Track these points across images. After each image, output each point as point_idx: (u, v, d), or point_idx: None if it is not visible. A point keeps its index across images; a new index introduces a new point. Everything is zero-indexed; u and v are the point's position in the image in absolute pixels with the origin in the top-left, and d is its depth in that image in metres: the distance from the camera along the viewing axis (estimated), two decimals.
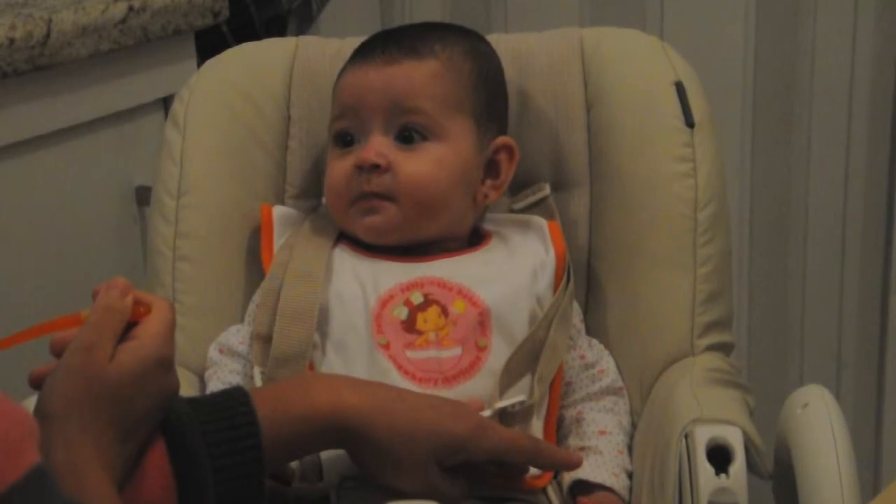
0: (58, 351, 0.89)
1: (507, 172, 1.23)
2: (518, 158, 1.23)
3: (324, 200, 1.30)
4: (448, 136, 1.18)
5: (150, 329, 0.89)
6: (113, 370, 0.86)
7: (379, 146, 1.17)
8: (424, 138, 1.17)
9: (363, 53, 1.21)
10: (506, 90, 1.26)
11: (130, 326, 0.89)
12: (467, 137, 1.19)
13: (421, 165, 1.17)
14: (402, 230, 1.18)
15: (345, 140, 1.20)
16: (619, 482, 1.14)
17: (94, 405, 0.85)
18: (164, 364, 0.89)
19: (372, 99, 1.17)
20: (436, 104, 1.17)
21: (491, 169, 1.22)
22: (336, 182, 1.19)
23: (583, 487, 1.14)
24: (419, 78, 1.17)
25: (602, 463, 1.14)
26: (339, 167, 1.19)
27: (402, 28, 1.25)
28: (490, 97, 1.22)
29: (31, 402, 0.87)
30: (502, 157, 1.22)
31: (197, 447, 0.91)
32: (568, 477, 1.14)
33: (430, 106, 1.17)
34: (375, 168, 1.16)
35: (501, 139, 1.22)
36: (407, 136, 1.17)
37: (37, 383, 0.89)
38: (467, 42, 1.22)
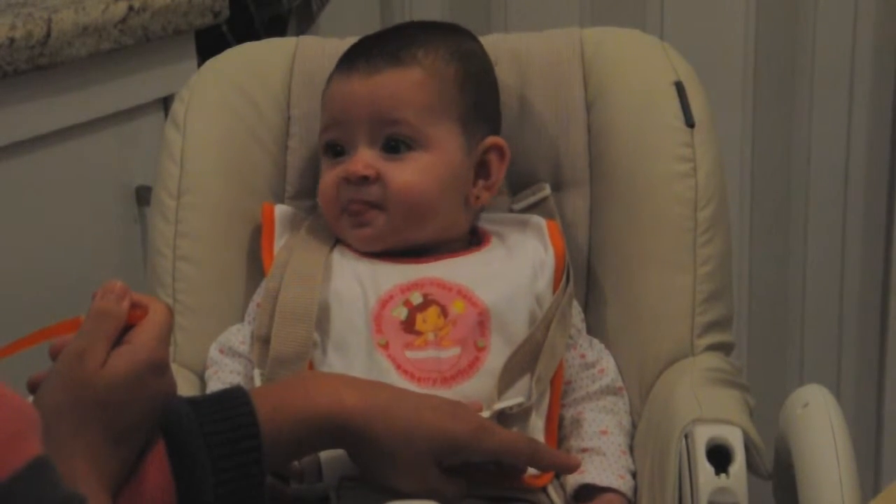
0: (56, 355, 0.89)
1: (499, 172, 1.23)
2: (509, 158, 1.23)
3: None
4: (434, 143, 1.18)
5: (143, 333, 0.88)
6: (104, 376, 0.85)
7: (366, 158, 1.17)
8: (410, 148, 1.18)
9: (348, 61, 1.21)
10: (496, 87, 1.26)
11: (128, 329, 0.89)
12: (454, 142, 1.19)
13: (409, 174, 1.17)
14: (393, 237, 1.18)
15: (334, 150, 1.20)
16: (624, 484, 1.14)
17: (83, 411, 0.85)
18: (158, 368, 0.88)
19: (357, 111, 1.18)
20: (419, 113, 1.18)
21: (482, 170, 1.22)
22: (327, 192, 1.20)
23: (589, 491, 1.14)
24: (401, 88, 1.18)
25: (607, 465, 1.14)
26: (330, 177, 1.20)
27: (388, 32, 1.25)
28: (477, 98, 1.22)
29: None
30: (492, 157, 1.22)
31: (196, 447, 0.90)
32: (572, 479, 1.14)
33: (413, 116, 1.17)
34: (364, 180, 1.16)
35: (490, 139, 1.22)
36: (393, 147, 1.18)
37: (35, 388, 0.89)
38: (451, 43, 1.22)
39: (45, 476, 0.63)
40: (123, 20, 1.51)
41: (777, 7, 1.80)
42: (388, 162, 1.17)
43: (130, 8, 1.52)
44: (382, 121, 1.17)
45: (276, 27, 1.87)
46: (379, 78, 1.18)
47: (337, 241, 1.22)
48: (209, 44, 1.64)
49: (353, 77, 1.19)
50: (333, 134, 1.20)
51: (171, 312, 0.91)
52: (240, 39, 1.61)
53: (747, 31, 1.81)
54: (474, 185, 1.21)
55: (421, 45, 1.20)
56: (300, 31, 1.92)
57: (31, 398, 0.89)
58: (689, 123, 1.25)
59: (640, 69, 1.29)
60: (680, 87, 1.26)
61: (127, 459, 0.88)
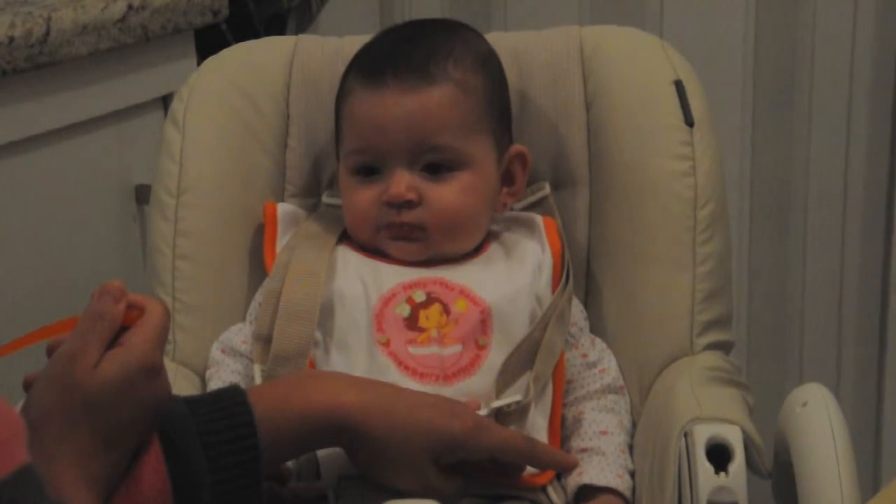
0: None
1: (522, 180, 1.24)
2: (531, 163, 1.23)
3: (324, 198, 1.30)
4: (473, 161, 1.18)
5: (137, 335, 0.88)
6: (95, 378, 0.85)
7: (408, 181, 1.16)
8: (450, 169, 1.17)
9: (373, 76, 1.18)
10: (508, 88, 1.26)
11: (124, 330, 0.88)
12: (489, 156, 1.20)
13: (452, 195, 1.17)
14: (434, 250, 1.19)
15: (365, 170, 1.19)
16: (623, 483, 1.14)
17: (73, 414, 0.84)
18: (150, 371, 0.87)
19: (394, 135, 1.16)
20: (458, 133, 1.17)
21: (506, 177, 1.22)
22: (362, 212, 1.19)
23: (588, 491, 1.14)
24: (438, 109, 1.17)
25: (606, 465, 1.14)
26: (364, 197, 1.18)
27: (406, 38, 1.22)
28: (501, 107, 1.23)
29: None
30: (516, 165, 1.23)
31: (192, 447, 0.90)
32: (572, 481, 1.14)
33: (453, 138, 1.17)
34: (407, 203, 1.16)
35: (515, 148, 1.23)
36: (433, 167, 1.17)
37: (30, 387, 0.88)
38: (474, 50, 1.22)
39: (30, 485, 0.63)
40: (123, 19, 1.51)
41: (776, 5, 1.80)
42: (429, 183, 1.17)
43: (130, 6, 1.52)
44: (422, 147, 1.16)
45: (276, 26, 1.87)
46: (413, 99, 1.16)
47: (339, 240, 1.22)
48: (208, 42, 1.64)
49: (384, 95, 1.17)
50: (366, 158, 1.18)
51: (167, 314, 0.90)
52: (239, 38, 1.61)
53: (746, 30, 1.81)
54: (499, 193, 1.22)
55: (448, 56, 1.18)
56: (299, 29, 1.92)
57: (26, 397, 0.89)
58: (689, 122, 1.25)
59: (639, 67, 1.29)
60: (679, 86, 1.26)
61: (118, 462, 0.87)
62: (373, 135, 1.17)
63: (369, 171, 1.19)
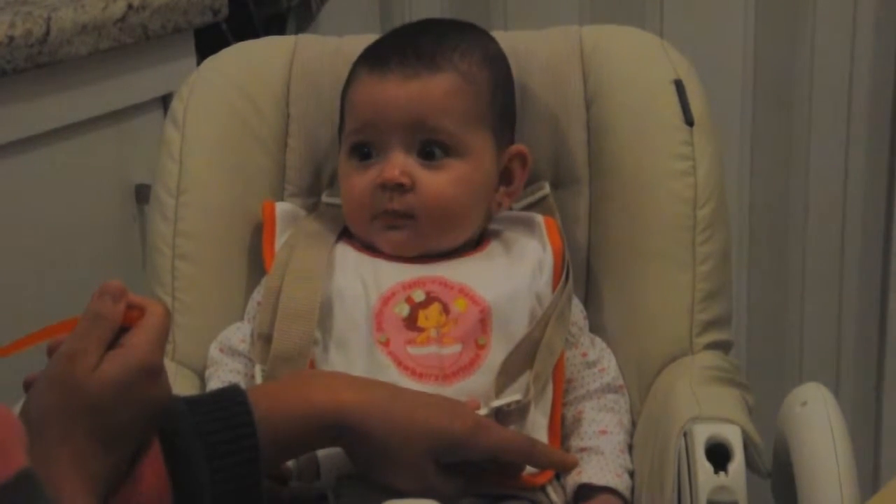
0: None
1: (520, 179, 1.23)
2: (530, 164, 1.23)
3: (324, 198, 1.30)
4: (469, 151, 1.18)
5: (137, 336, 0.87)
6: (95, 379, 0.85)
7: (402, 164, 1.16)
8: (446, 154, 1.17)
9: (379, 63, 1.19)
10: (514, 91, 1.26)
11: (124, 331, 0.88)
12: (487, 150, 1.19)
13: (444, 184, 1.17)
14: (424, 244, 1.18)
15: (362, 152, 1.20)
16: (622, 482, 1.14)
17: (72, 416, 0.84)
18: (151, 372, 0.87)
19: (392, 116, 1.17)
20: (457, 121, 1.17)
21: (505, 176, 1.22)
22: (357, 197, 1.19)
23: (587, 491, 1.14)
24: (440, 94, 1.17)
25: (605, 464, 1.14)
26: (360, 181, 1.19)
27: (414, 31, 1.24)
28: (505, 104, 1.22)
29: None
30: (516, 164, 1.23)
31: (193, 447, 0.90)
32: (571, 480, 1.14)
33: (451, 123, 1.17)
34: (400, 187, 1.16)
35: (515, 147, 1.23)
36: (429, 152, 1.17)
37: (30, 388, 0.88)
38: (483, 47, 1.22)
39: (30, 488, 0.63)
40: (123, 18, 1.51)
41: (776, 6, 1.80)
42: (423, 169, 1.17)
43: (130, 6, 1.52)
44: (420, 127, 1.17)
45: (275, 25, 1.87)
46: (416, 83, 1.17)
47: (339, 239, 1.22)
48: (208, 42, 1.64)
49: (388, 79, 1.18)
50: (363, 137, 1.19)
51: (168, 315, 0.90)
52: (239, 38, 1.61)
53: (746, 29, 1.81)
54: (496, 192, 1.22)
55: (455, 48, 1.19)
56: (299, 29, 1.92)
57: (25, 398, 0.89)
58: (689, 121, 1.25)
59: (639, 67, 1.29)
60: (679, 85, 1.26)
61: (118, 464, 0.87)
62: (372, 115, 1.18)
63: (366, 154, 1.19)
